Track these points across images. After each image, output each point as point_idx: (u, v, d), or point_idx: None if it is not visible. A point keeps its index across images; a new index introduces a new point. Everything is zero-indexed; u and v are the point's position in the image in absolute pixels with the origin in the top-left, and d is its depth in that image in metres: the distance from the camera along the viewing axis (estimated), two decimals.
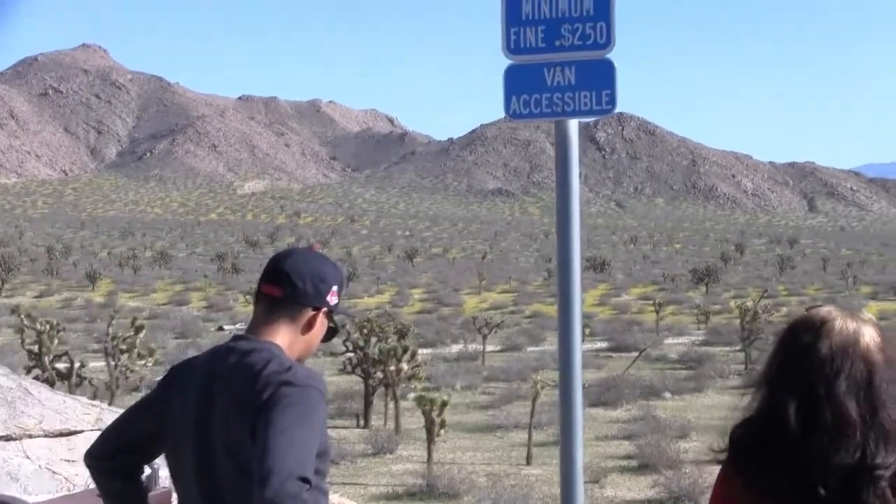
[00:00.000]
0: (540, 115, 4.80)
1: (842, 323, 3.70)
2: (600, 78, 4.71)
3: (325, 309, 3.94)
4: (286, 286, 3.89)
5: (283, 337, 3.87)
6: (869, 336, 3.69)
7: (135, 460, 3.99)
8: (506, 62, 4.75)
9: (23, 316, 31.30)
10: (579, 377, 4.84)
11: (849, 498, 3.51)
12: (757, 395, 3.70)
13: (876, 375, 3.62)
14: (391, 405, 31.56)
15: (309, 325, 3.92)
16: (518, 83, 4.79)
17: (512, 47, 4.78)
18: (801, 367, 3.64)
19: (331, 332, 4.06)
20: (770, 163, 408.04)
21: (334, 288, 3.96)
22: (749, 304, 44.50)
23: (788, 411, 3.60)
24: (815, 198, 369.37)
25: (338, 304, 3.97)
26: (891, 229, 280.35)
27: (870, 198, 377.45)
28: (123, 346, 28.72)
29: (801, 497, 3.50)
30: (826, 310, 3.80)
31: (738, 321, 43.90)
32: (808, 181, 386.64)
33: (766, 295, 63.94)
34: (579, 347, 4.84)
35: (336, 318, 4.01)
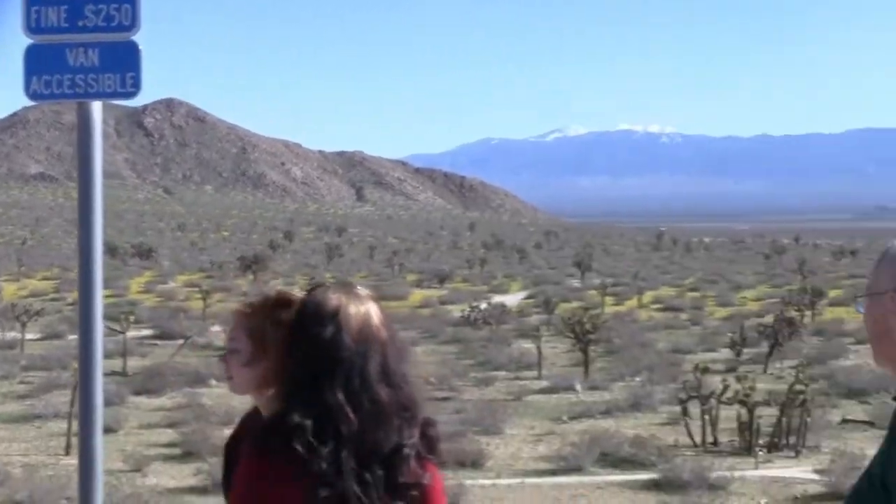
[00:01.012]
0: (62, 97, 4.75)
1: (355, 308, 3.84)
2: (125, 60, 4.69)
3: None
4: None
5: None
6: (376, 316, 3.85)
7: None
8: (27, 41, 4.67)
9: None
10: (99, 366, 4.84)
11: (387, 479, 3.70)
12: (281, 389, 3.79)
13: (389, 355, 3.81)
14: None
15: None
16: (39, 63, 4.72)
17: (33, 26, 4.70)
18: (329, 361, 3.73)
19: None
20: (320, 151, 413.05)
21: None
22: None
23: (342, 408, 3.68)
24: (363, 187, 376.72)
25: None
26: (436, 218, 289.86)
27: (416, 188, 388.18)
28: None
29: (348, 484, 3.63)
30: (334, 297, 3.91)
31: None
32: (356, 170, 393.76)
33: (313, 282, 65.05)
34: (100, 336, 4.83)
35: None
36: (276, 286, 4.28)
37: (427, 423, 3.85)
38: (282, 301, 4.03)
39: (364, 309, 3.85)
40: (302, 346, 3.79)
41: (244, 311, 4.12)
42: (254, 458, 3.63)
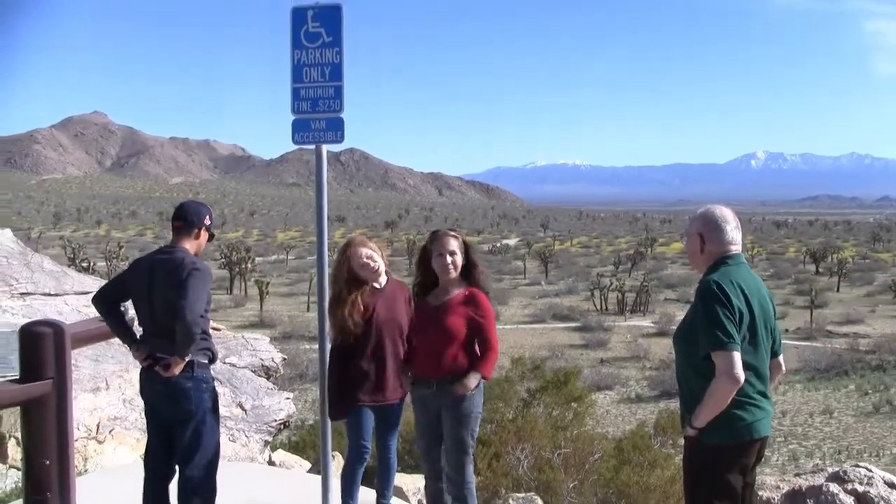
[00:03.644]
0: (309, 142, 4.78)
1: (443, 233, 3.92)
2: (336, 126, 4.72)
3: (204, 226, 3.83)
4: (184, 219, 3.78)
5: (188, 244, 3.77)
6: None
7: (115, 303, 3.82)
8: (292, 117, 4.71)
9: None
10: (325, 268, 4.79)
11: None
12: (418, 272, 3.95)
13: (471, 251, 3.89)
14: (243, 286, 30.61)
15: (197, 237, 3.80)
16: (298, 127, 4.78)
17: (295, 110, 4.74)
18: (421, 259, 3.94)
19: (210, 237, 3.97)
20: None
21: (207, 215, 3.84)
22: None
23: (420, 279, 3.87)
24: None
25: (211, 223, 3.86)
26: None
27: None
28: None
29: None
30: (444, 232, 3.97)
31: None
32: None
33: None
34: (325, 255, 4.79)
35: (211, 231, 3.92)
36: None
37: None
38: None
39: (444, 232, 4.02)
40: (422, 252, 4.01)
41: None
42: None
